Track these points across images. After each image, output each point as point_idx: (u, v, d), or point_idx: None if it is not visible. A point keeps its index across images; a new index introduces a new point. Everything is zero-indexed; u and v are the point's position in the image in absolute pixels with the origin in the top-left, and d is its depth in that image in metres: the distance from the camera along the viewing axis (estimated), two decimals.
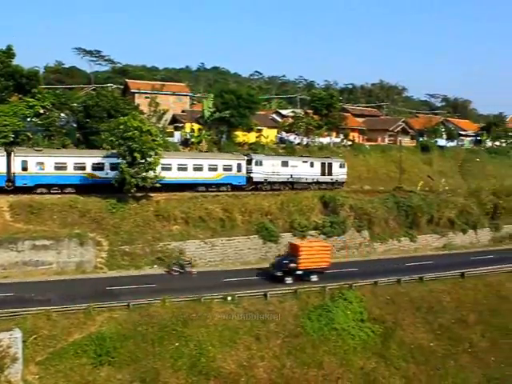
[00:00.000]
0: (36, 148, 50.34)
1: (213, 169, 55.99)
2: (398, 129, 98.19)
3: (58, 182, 48.43)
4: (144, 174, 47.51)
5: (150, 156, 47.71)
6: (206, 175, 55.44)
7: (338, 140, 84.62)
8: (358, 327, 38.52)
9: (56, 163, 48.63)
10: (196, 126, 69.21)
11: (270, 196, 55.35)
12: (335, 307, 38.82)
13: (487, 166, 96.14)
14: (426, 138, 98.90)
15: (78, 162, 49.39)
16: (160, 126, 61.59)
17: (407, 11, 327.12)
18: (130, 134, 46.01)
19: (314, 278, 43.51)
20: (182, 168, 53.77)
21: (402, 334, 39.39)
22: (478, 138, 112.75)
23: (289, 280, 42.48)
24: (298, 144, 77.57)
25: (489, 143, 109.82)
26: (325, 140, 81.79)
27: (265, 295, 38.43)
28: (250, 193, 55.89)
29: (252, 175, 58.80)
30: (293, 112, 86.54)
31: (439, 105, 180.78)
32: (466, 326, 42.50)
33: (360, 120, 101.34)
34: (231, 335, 34.62)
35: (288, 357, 34.69)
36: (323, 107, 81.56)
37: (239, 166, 57.71)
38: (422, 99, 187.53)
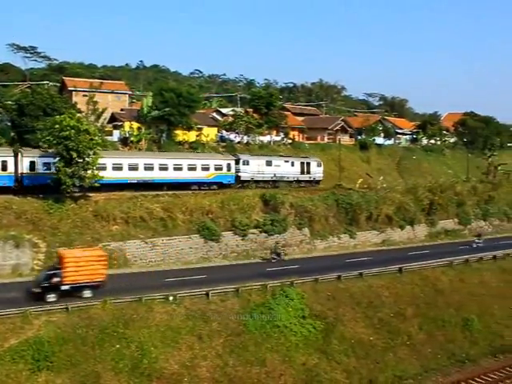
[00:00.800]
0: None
1: (205, 168, 59.04)
2: (337, 127, 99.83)
3: None
4: (82, 173, 46.66)
5: (88, 155, 46.89)
6: (199, 175, 58.52)
7: (278, 138, 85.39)
8: (299, 324, 38.85)
9: None
10: (135, 125, 68.43)
11: (212, 194, 55.28)
12: (277, 304, 39.03)
13: (423, 164, 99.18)
14: (364, 137, 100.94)
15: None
16: (98, 124, 60.57)
17: (345, 10, 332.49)
18: (67, 133, 45.01)
19: (88, 293, 36.19)
20: (178, 168, 56.88)
21: (343, 329, 39.98)
22: (414, 137, 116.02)
23: (51, 297, 35.09)
24: (239, 143, 77.78)
25: (424, 141, 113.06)
26: (265, 138, 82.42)
27: (207, 294, 38.28)
28: (190, 192, 55.66)
29: (240, 174, 62.40)
30: (233, 111, 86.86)
31: (377, 104, 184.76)
32: (404, 320, 43.52)
33: (300, 119, 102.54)
34: (173, 335, 34.36)
35: (231, 355, 34.70)
36: (263, 106, 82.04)
37: (229, 166, 61.19)
38: (360, 98, 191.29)
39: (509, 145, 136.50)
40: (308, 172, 69.82)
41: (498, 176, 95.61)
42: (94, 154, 47.25)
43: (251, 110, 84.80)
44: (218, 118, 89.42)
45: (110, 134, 67.28)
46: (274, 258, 50.55)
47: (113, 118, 74.57)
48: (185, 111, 68.22)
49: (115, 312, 34.54)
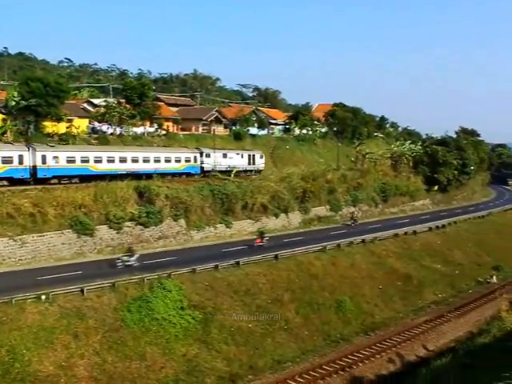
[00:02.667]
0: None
1: (178, 160, 67.51)
2: (212, 118, 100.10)
3: None
4: None
5: None
6: (173, 165, 67.00)
7: (152, 130, 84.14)
8: (178, 315, 38.63)
9: None
10: (0, 116, 64.60)
11: (84, 188, 53.29)
12: (154, 297, 38.55)
13: (296, 153, 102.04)
14: (238, 127, 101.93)
15: None
16: None
17: (217, 2, 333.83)
18: None
19: None
20: (157, 160, 64.93)
21: (222, 318, 40.27)
22: (287, 127, 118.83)
23: None
24: (112, 134, 75.80)
25: (297, 131, 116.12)
26: (139, 130, 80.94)
27: (82, 291, 37.02)
28: (62, 186, 53.42)
29: (203, 165, 71.35)
30: (105, 101, 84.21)
31: (251, 95, 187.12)
32: (281, 305, 44.60)
33: (174, 109, 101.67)
34: (47, 336, 32.89)
35: (109, 351, 33.85)
36: (136, 97, 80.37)
37: (195, 158, 70.23)
38: (234, 89, 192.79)
39: (375, 134, 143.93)
40: (253, 163, 79.77)
41: (366, 164, 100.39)
42: None
43: (124, 100, 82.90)
44: (90, 108, 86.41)
45: None
46: (353, 223, 71.68)
47: None
48: (53, 102, 65.16)
49: None
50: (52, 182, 55.14)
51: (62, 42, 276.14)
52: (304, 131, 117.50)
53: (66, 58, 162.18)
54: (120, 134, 76.69)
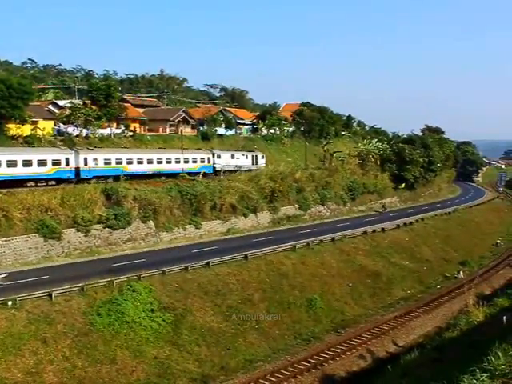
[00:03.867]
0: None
1: (194, 161, 75.04)
2: (179, 119, 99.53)
3: None
4: None
5: None
6: (191, 166, 73.99)
7: (118, 131, 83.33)
8: (148, 318, 38.40)
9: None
10: None
11: (51, 191, 52.54)
12: (124, 300, 38.24)
13: (264, 153, 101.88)
14: (206, 127, 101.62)
15: None
16: None
17: (184, 5, 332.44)
18: None
19: None
20: (177, 161, 72.17)
21: (193, 319, 40.18)
22: (255, 127, 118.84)
23: None
24: (78, 136, 74.86)
25: (264, 131, 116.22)
26: (105, 131, 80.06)
27: (50, 295, 36.51)
28: (27, 189, 52.51)
29: (215, 165, 78.33)
30: (71, 103, 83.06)
31: (218, 95, 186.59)
32: (252, 305, 44.68)
33: (141, 110, 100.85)
34: (15, 342, 32.32)
35: (79, 356, 33.44)
36: (102, 98, 79.45)
37: (209, 159, 77.88)
38: (201, 89, 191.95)
39: (343, 133, 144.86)
40: (256, 163, 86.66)
41: (334, 163, 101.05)
42: None
43: (90, 101, 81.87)
44: (55, 110, 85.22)
45: None
46: (383, 211, 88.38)
47: None
48: (17, 103, 64.06)
49: None
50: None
51: (25, 43, 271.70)
52: (272, 131, 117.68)
53: (29, 59, 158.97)
54: (86, 135, 75.79)
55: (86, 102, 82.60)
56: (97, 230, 51.98)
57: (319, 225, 74.42)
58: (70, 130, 75.92)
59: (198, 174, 72.38)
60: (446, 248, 78.03)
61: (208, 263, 47.12)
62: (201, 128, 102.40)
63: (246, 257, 50.51)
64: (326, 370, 36.99)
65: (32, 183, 55.28)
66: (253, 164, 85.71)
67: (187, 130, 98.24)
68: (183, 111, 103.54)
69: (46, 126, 73.26)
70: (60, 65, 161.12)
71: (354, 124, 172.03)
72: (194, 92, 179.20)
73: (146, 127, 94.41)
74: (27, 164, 54.68)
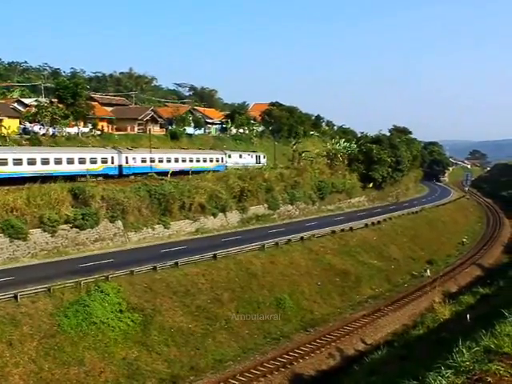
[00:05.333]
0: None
1: (211, 160, 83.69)
2: (148, 118, 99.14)
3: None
4: None
5: None
6: (208, 164, 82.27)
7: (86, 130, 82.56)
8: (117, 318, 38.02)
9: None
10: None
11: (16, 190, 51.63)
12: (92, 301, 37.79)
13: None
14: (174, 127, 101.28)
15: None
16: None
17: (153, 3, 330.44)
18: None
19: None
20: (197, 160, 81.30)
21: (162, 320, 39.94)
22: (224, 126, 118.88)
23: None
24: (44, 135, 73.88)
25: (234, 130, 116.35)
26: (72, 130, 79.26)
27: (15, 297, 35.91)
28: None
29: (227, 164, 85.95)
30: (37, 101, 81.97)
31: (187, 94, 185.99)
32: (221, 305, 44.58)
33: (109, 109, 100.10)
34: None
35: (46, 358, 32.96)
36: (69, 96, 78.58)
37: (222, 159, 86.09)
38: (170, 88, 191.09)
39: (311, 133, 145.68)
40: (259, 162, 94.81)
41: (303, 162, 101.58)
42: None
43: (56, 100, 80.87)
44: (20, 108, 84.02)
45: None
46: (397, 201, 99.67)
47: None
48: None
49: None
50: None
51: None
52: (241, 130, 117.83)
53: None
54: (53, 134, 74.87)
55: (53, 100, 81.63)
56: (64, 230, 51.28)
57: (288, 224, 74.70)
58: (36, 128, 74.94)
59: (216, 171, 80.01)
60: (413, 247, 79.09)
61: (177, 263, 46.87)
62: (169, 127, 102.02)
63: (214, 256, 50.39)
64: (295, 369, 37.12)
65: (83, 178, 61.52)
66: (256, 163, 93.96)
67: (156, 130, 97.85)
68: (152, 110, 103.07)
69: (12, 125, 72.17)
70: (25, 62, 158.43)
71: (323, 124, 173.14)
72: (162, 91, 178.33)
73: (114, 126, 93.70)
74: (82, 162, 63.07)
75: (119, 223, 56.50)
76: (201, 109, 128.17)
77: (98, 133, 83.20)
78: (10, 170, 55.76)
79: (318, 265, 58.67)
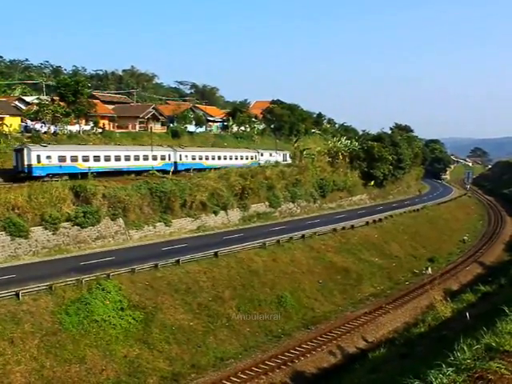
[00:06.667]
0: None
1: (247, 158, 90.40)
2: (149, 115, 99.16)
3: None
4: None
5: None
6: (244, 162, 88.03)
7: (87, 128, 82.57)
8: (118, 316, 38.08)
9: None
10: None
11: (17, 188, 51.68)
12: (93, 299, 37.86)
13: None
14: (176, 125, 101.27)
15: None
16: None
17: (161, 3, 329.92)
18: None
19: None
20: (235, 158, 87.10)
21: (163, 318, 39.97)
22: (225, 124, 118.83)
23: None
24: (45, 132, 73.90)
25: (235, 128, 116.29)
26: (74, 128, 79.27)
27: (17, 295, 35.95)
28: None
29: (260, 162, 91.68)
30: (38, 99, 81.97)
31: (188, 92, 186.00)
32: (222, 303, 44.61)
33: (110, 107, 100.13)
34: None
35: (47, 356, 33.00)
36: (70, 94, 78.54)
37: (256, 156, 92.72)
38: (171, 86, 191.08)
39: (313, 131, 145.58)
40: (286, 160, 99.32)
41: (304, 160, 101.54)
42: None
43: (58, 98, 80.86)
44: (22, 106, 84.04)
45: None
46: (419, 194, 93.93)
47: None
48: None
49: None
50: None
51: None
52: (242, 128, 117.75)
53: None
54: (54, 132, 74.87)
55: (54, 98, 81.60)
56: (65, 228, 51.32)
57: (289, 222, 74.68)
58: (37, 126, 74.97)
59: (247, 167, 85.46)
60: (414, 244, 79.05)
61: (178, 261, 46.91)
62: (171, 125, 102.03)
63: (216, 254, 50.41)
64: (296, 367, 37.14)
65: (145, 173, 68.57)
66: (283, 160, 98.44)
67: (157, 127, 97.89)
68: (153, 108, 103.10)
69: (13, 123, 72.19)
70: (27, 60, 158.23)
71: (324, 122, 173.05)
72: (164, 89, 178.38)
73: (116, 124, 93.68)
74: (145, 158, 70.76)
75: (120, 221, 56.52)
76: (202, 107, 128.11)
77: (100, 131, 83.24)
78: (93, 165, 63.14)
79: (320, 262, 58.69)
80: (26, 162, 57.58)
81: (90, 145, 73.06)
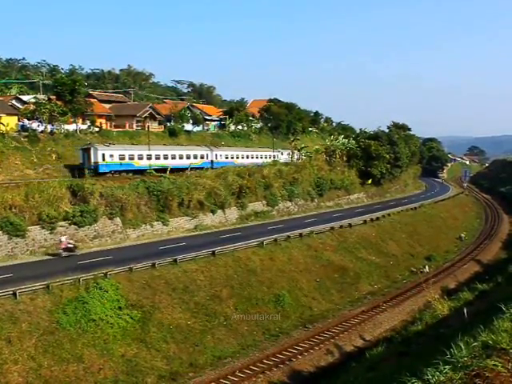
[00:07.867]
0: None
1: (269, 157, 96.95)
2: (146, 114, 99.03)
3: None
4: None
5: None
6: (267, 161, 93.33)
7: (84, 127, 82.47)
8: (116, 315, 38.04)
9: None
10: None
11: (14, 187, 51.60)
12: (91, 298, 37.81)
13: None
14: (173, 124, 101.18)
15: None
16: None
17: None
18: None
19: None
20: (252, 157, 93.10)
21: (161, 317, 39.96)
22: (223, 123, 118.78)
23: None
24: (42, 132, 73.79)
25: (232, 127, 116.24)
26: (71, 127, 79.13)
27: (14, 294, 35.89)
28: None
29: (280, 160, 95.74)
30: (35, 98, 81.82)
31: (185, 91, 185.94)
32: (220, 301, 44.61)
33: (107, 106, 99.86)
34: None
35: (45, 355, 32.96)
36: (67, 93, 78.47)
37: (275, 156, 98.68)
38: (169, 85, 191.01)
39: (310, 129, 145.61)
40: (293, 158, 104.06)
41: (301, 159, 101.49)
42: None
43: (55, 97, 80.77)
44: (19, 105, 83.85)
45: None
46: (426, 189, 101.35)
47: None
48: None
49: None
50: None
51: None
52: (239, 127, 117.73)
53: None
54: (51, 131, 74.76)
55: (51, 97, 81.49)
56: (63, 227, 51.21)
57: (287, 221, 74.69)
58: (34, 125, 74.76)
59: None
60: (412, 243, 79.17)
61: (175, 260, 46.87)
62: (168, 124, 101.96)
63: (213, 253, 50.39)
64: (294, 366, 37.20)
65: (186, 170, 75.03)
66: (297, 159, 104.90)
67: (154, 126, 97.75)
68: (150, 107, 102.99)
69: (10, 122, 72.03)
70: (24, 59, 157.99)
71: (322, 120, 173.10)
72: (161, 88, 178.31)
73: (113, 123, 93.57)
74: (188, 157, 78.56)
75: (118, 220, 56.45)
76: (199, 105, 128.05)
77: (97, 130, 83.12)
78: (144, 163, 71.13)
79: (317, 261, 58.71)
80: (92, 160, 65.03)
81: (142, 145, 77.91)
